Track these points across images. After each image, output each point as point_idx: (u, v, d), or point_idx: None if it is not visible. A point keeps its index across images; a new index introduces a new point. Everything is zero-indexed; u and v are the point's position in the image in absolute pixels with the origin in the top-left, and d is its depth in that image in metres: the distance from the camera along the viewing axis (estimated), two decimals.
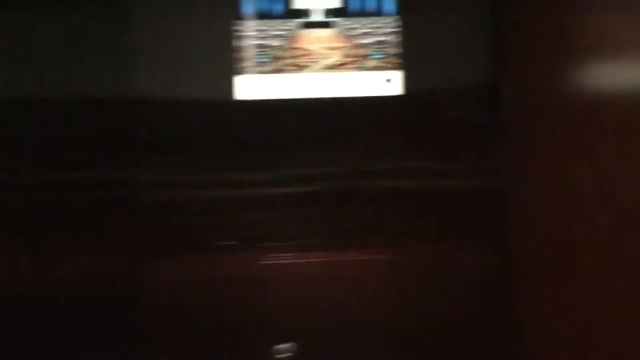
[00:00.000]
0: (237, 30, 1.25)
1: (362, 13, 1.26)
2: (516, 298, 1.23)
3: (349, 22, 1.26)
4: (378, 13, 1.26)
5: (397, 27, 1.26)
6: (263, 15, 1.25)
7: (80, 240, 1.22)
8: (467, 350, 1.25)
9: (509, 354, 1.23)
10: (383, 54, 1.26)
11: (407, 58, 1.26)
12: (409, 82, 1.26)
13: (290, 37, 1.25)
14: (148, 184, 1.25)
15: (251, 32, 1.25)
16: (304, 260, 1.26)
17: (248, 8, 1.25)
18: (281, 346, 1.23)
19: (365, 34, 1.26)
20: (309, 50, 1.26)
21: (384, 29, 1.26)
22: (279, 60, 1.25)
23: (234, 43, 1.25)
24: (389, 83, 1.26)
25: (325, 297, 1.25)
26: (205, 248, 1.26)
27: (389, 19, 1.26)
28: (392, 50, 1.26)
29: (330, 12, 1.26)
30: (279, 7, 1.25)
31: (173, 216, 1.26)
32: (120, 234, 1.25)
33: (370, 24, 1.26)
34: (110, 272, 1.23)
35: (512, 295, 1.24)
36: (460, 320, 1.25)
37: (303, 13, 1.26)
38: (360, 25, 1.26)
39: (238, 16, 1.25)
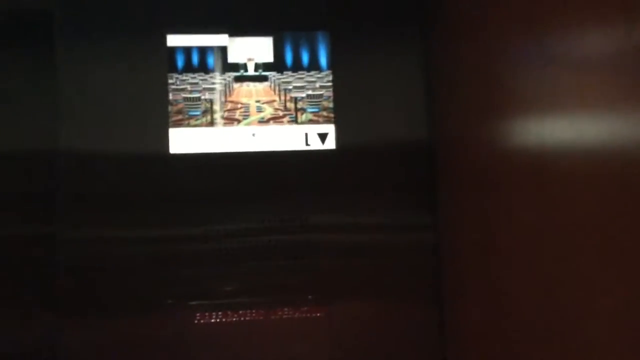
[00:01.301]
0: (170, 84, 1.23)
1: (296, 68, 1.26)
2: (450, 349, 1.22)
3: (283, 76, 1.26)
4: (312, 68, 1.26)
5: (330, 81, 1.27)
6: (196, 69, 1.24)
7: None
8: None
9: None
10: (317, 108, 1.26)
11: (340, 113, 1.26)
12: (342, 137, 1.26)
13: (223, 91, 1.24)
14: (70, 241, 1.19)
15: (184, 86, 1.23)
16: (239, 319, 1.22)
17: (180, 61, 1.23)
18: None
19: (298, 87, 1.26)
20: (243, 104, 1.25)
21: (317, 83, 1.26)
22: (212, 113, 1.23)
23: (167, 96, 1.22)
24: (322, 137, 1.25)
25: (262, 356, 1.21)
26: (133, 308, 1.20)
27: (322, 74, 1.26)
28: (326, 104, 1.26)
29: (265, 66, 1.26)
30: (212, 61, 1.24)
31: (97, 275, 1.19)
32: (39, 293, 1.18)
33: (304, 78, 1.26)
34: (29, 336, 1.16)
35: (446, 350, 1.23)
36: None
37: (237, 67, 1.25)
38: (294, 79, 1.26)
39: (170, 69, 1.23)
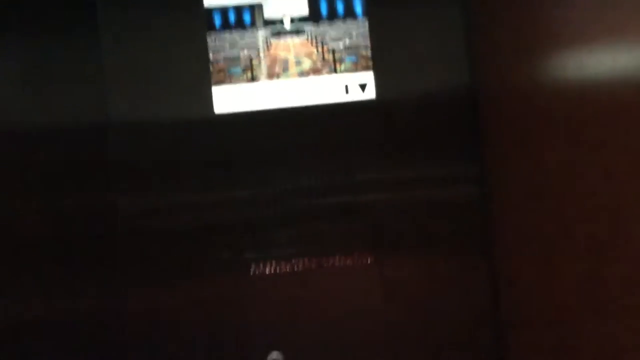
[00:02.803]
0: (209, 43, 1.25)
1: (332, 17, 1.26)
2: (503, 303, 1.22)
3: (319, 28, 1.26)
4: (348, 17, 1.26)
5: (368, 30, 1.26)
6: (234, 27, 1.25)
7: (58, 271, 1.19)
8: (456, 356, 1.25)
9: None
10: (355, 58, 1.26)
11: (379, 61, 1.26)
12: (381, 86, 1.26)
13: (262, 47, 1.26)
14: (128, 208, 1.24)
15: (223, 45, 1.25)
16: (292, 270, 1.25)
17: (218, 21, 1.25)
18: (274, 356, 1.23)
19: (335, 38, 1.26)
20: (281, 58, 1.26)
21: (354, 32, 1.26)
22: (252, 70, 1.25)
23: (207, 56, 1.25)
24: (361, 86, 1.26)
25: (316, 303, 1.25)
26: (190, 270, 1.24)
27: (359, 22, 1.26)
28: (364, 53, 1.26)
29: (301, 20, 1.26)
30: (248, 18, 1.26)
31: (155, 239, 1.24)
32: (100, 262, 1.23)
33: (341, 28, 1.26)
34: (94, 302, 1.21)
35: (499, 301, 1.23)
36: (447, 326, 1.25)
37: (273, 23, 1.26)
38: (330, 30, 1.26)
39: (209, 29, 1.25)
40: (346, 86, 1.26)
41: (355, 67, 1.26)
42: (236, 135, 1.26)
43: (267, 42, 1.26)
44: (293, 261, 1.25)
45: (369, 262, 1.25)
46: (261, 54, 1.26)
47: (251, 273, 1.25)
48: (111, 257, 1.23)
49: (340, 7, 1.26)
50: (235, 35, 1.26)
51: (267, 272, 1.25)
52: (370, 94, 1.26)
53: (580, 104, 0.82)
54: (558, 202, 0.92)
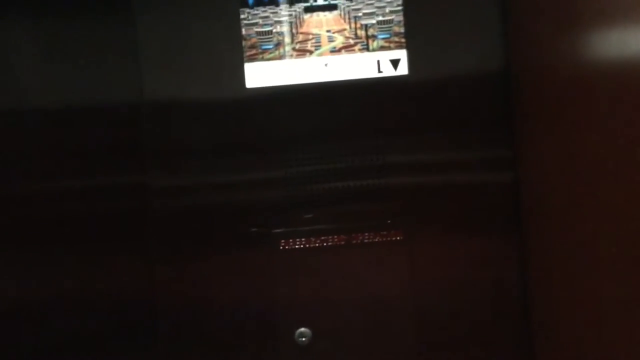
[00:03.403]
0: (242, 19, 1.24)
1: None
2: (533, 290, 1.22)
3: (352, 3, 1.25)
4: None
5: (401, 5, 1.24)
6: (266, 3, 1.25)
7: (90, 250, 1.20)
8: (485, 338, 1.25)
9: (528, 343, 1.23)
10: (388, 34, 1.25)
11: (412, 38, 1.25)
12: (414, 63, 1.25)
13: (294, 22, 1.25)
14: (159, 189, 1.26)
15: (255, 20, 1.25)
16: (321, 245, 1.26)
17: None
18: (303, 331, 1.24)
19: (368, 14, 1.25)
20: (314, 34, 1.25)
21: (387, 8, 1.25)
22: (284, 46, 1.25)
23: (240, 32, 1.25)
24: (394, 63, 1.25)
25: (344, 280, 1.26)
26: (220, 247, 1.26)
27: None
28: (397, 30, 1.25)
29: None
30: None
31: (186, 218, 1.26)
32: (134, 241, 1.26)
33: (374, 3, 1.25)
34: (125, 279, 1.23)
35: (529, 287, 1.23)
36: (475, 308, 1.25)
37: None
38: (363, 5, 1.25)
39: (242, 4, 1.24)
40: (378, 62, 1.25)
41: (389, 44, 1.25)
42: (268, 112, 1.26)
43: (299, 18, 1.26)
44: (322, 237, 1.26)
45: (398, 239, 1.25)
46: (293, 30, 1.26)
47: (280, 248, 1.26)
48: (142, 235, 1.26)
49: None
50: (267, 11, 1.25)
51: (295, 247, 1.26)
52: (403, 70, 1.25)
53: (624, 86, 0.80)
54: (592, 188, 0.91)
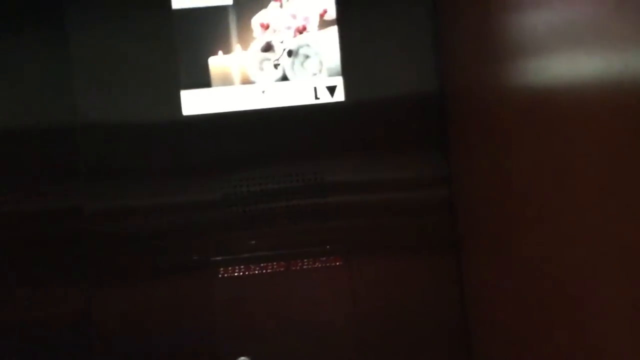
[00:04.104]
0: (177, 44, 1.24)
1: None
2: (470, 303, 1.24)
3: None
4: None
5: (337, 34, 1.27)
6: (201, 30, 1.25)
7: (25, 274, 1.17)
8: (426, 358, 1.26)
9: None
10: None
11: (348, 65, 1.27)
12: (350, 89, 1.27)
13: (232, 49, 1.26)
14: (95, 213, 1.23)
15: (191, 47, 1.25)
16: (261, 272, 1.26)
17: (187, 22, 1.25)
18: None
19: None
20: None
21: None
22: (221, 73, 1.25)
23: (175, 58, 1.24)
24: (330, 90, 1.26)
25: (285, 307, 1.26)
26: (158, 273, 1.24)
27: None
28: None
29: None
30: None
31: (123, 243, 1.24)
32: (69, 267, 1.22)
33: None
34: (59, 305, 1.20)
35: (467, 306, 1.25)
36: (417, 327, 1.27)
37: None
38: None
39: (176, 33, 1.24)
40: (315, 89, 1.26)
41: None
42: (205, 137, 1.26)
43: (237, 45, 1.26)
44: (262, 264, 1.25)
45: (338, 264, 1.26)
46: (231, 56, 1.26)
47: (219, 276, 1.24)
48: (77, 260, 1.22)
49: None
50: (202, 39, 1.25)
51: (235, 275, 1.25)
52: (340, 97, 1.27)
53: (542, 108, 0.83)
54: (520, 202, 0.95)
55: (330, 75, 1.26)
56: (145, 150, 1.25)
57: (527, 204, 0.92)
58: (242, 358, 1.23)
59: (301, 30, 1.26)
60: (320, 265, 1.26)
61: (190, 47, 1.25)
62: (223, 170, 1.26)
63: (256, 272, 1.26)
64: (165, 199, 1.25)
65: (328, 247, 1.27)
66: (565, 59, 0.76)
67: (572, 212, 0.77)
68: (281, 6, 1.26)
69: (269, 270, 1.26)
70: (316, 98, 1.27)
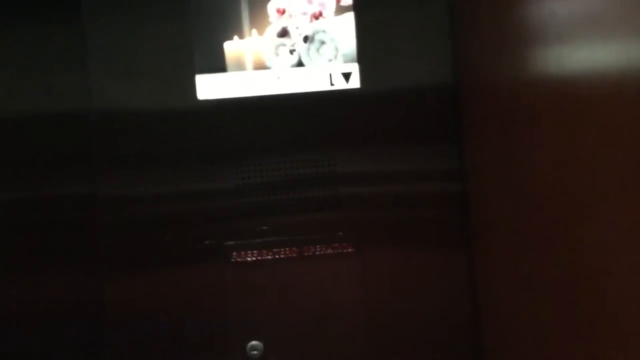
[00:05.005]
0: (192, 31, 1.24)
1: None
2: (482, 300, 1.23)
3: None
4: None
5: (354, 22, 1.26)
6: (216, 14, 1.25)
7: (38, 261, 1.17)
8: (435, 348, 1.26)
9: (478, 353, 1.25)
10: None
11: (363, 52, 1.26)
12: (366, 76, 1.26)
13: (247, 34, 1.25)
14: (109, 200, 1.24)
15: (207, 31, 1.24)
16: (273, 257, 1.26)
17: (201, 8, 1.24)
18: (254, 344, 1.24)
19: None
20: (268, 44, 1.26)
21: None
22: (236, 58, 1.25)
23: (191, 43, 1.24)
24: (345, 76, 1.26)
25: (296, 292, 1.26)
26: (171, 260, 1.25)
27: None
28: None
29: None
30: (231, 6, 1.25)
31: (136, 229, 1.24)
32: (82, 254, 1.23)
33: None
34: (72, 292, 1.20)
35: (478, 298, 1.24)
36: (425, 318, 1.26)
37: None
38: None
39: (192, 18, 1.24)
40: (330, 75, 1.26)
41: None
42: (219, 123, 1.26)
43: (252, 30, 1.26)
44: (274, 249, 1.26)
45: (349, 251, 1.26)
46: (247, 41, 1.26)
47: (232, 260, 1.25)
48: (90, 246, 1.23)
49: None
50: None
51: (247, 260, 1.25)
52: (355, 83, 1.26)
53: (561, 99, 0.83)
54: (536, 197, 0.94)
55: (346, 61, 1.26)
56: (159, 136, 1.25)
57: (546, 197, 0.91)
58: (254, 342, 1.24)
59: (317, 16, 1.26)
60: (332, 252, 1.26)
61: (206, 31, 1.24)
62: (237, 156, 1.26)
63: (269, 257, 1.26)
64: (178, 185, 1.25)
65: (340, 233, 1.26)
66: (586, 47, 0.75)
67: (595, 205, 0.76)
68: None
69: (281, 256, 1.26)
70: (331, 84, 1.26)
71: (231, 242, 1.26)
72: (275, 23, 1.25)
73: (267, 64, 1.26)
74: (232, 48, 1.25)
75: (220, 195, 1.25)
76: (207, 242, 1.25)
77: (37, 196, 1.20)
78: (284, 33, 1.26)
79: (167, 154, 1.25)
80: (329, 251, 1.26)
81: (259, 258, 1.26)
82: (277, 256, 1.26)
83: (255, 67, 1.25)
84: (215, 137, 1.26)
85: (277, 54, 1.26)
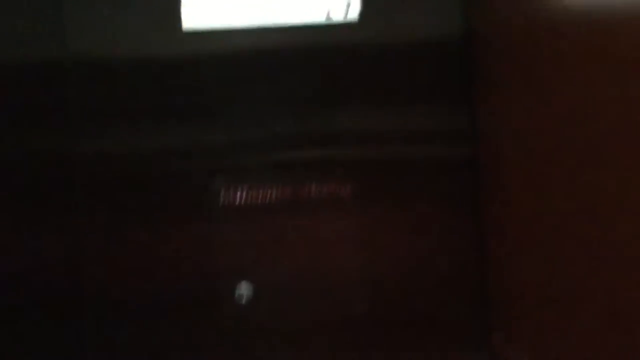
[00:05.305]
0: None
1: None
2: (490, 265, 1.18)
3: None
4: None
5: None
6: None
7: (10, 219, 1.10)
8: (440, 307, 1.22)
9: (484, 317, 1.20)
10: None
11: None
12: (366, 14, 1.17)
13: None
14: (86, 154, 1.14)
15: None
16: (267, 201, 1.20)
17: None
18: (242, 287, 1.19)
19: None
20: None
21: None
22: None
23: None
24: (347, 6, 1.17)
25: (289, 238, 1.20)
26: (151, 221, 1.16)
27: None
28: None
29: None
30: None
31: (113, 190, 1.16)
32: (56, 211, 1.13)
33: None
34: (47, 252, 1.12)
35: (486, 262, 1.19)
36: (432, 281, 1.20)
37: None
38: None
39: None
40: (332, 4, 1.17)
41: None
42: (205, 58, 1.15)
43: None
44: (267, 190, 1.19)
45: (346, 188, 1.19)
46: None
47: (220, 205, 1.18)
48: (67, 204, 1.14)
49: None
50: None
51: (237, 204, 1.19)
52: (353, 16, 1.17)
53: (588, 39, 0.75)
54: (559, 158, 0.86)
55: None
56: (141, 80, 1.15)
57: (567, 159, 0.83)
58: (243, 283, 1.18)
59: None
60: (328, 191, 1.20)
61: None
62: (225, 99, 1.16)
63: (260, 200, 1.19)
64: (162, 136, 1.16)
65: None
66: None
67: (620, 167, 0.71)
68: None
69: (273, 200, 1.19)
70: (328, 17, 1.17)
71: (220, 183, 1.18)
72: None
73: None
74: None
75: (209, 147, 1.17)
76: (194, 182, 1.18)
77: (12, 151, 1.11)
78: None
79: (150, 102, 1.16)
80: (325, 190, 1.20)
81: (250, 200, 1.19)
82: (268, 200, 1.19)
83: None
84: (204, 81, 1.16)
85: None
